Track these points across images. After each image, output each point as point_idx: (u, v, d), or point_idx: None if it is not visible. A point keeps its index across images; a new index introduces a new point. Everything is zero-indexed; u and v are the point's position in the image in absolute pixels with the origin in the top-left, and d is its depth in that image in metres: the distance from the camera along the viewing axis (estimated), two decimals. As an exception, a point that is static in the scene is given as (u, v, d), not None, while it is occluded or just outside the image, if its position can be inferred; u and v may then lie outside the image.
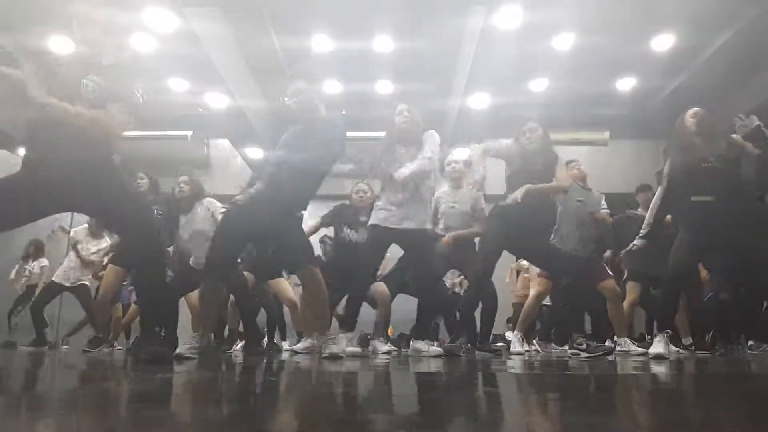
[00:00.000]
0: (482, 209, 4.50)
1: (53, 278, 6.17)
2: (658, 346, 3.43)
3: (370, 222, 3.67)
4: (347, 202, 4.84)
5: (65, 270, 6.04)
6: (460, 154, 4.86)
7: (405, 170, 3.41)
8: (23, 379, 1.97)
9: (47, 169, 2.40)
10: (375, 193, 4.21)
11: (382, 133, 3.81)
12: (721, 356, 4.17)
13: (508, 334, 7.53)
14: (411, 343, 3.95)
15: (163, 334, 4.24)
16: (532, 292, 4.80)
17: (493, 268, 3.85)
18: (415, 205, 3.54)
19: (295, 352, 4.40)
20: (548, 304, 5.40)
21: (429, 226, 3.66)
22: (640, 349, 4.26)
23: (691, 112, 3.63)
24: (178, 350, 3.13)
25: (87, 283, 6.05)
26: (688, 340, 5.34)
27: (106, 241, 5.93)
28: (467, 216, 4.47)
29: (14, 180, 2.47)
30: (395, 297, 4.89)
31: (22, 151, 8.95)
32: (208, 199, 4.50)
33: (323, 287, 3.05)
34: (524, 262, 6.05)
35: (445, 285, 5.36)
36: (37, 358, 3.64)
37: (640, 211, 5.08)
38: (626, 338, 4.27)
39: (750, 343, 4.99)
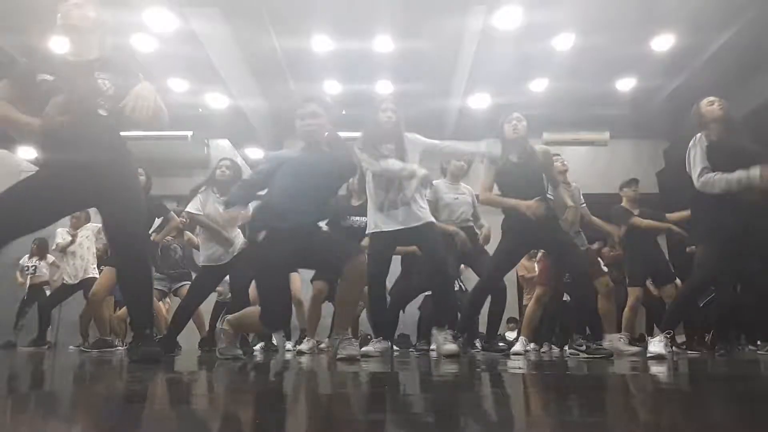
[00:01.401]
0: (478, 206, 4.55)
1: (64, 281, 6.14)
2: (658, 346, 3.41)
3: (370, 230, 3.60)
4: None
5: (68, 270, 6.05)
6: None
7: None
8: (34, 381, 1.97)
9: (67, 168, 2.45)
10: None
11: None
12: (721, 356, 4.17)
13: (509, 335, 7.55)
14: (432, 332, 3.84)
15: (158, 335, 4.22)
16: (532, 299, 4.79)
17: (502, 278, 3.88)
18: (409, 203, 3.48)
19: (302, 353, 4.38)
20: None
21: (432, 219, 3.58)
22: (633, 348, 4.27)
23: (707, 100, 3.56)
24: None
25: (92, 275, 5.98)
26: (680, 338, 5.35)
27: (86, 230, 5.97)
28: (470, 206, 4.51)
29: (35, 181, 2.51)
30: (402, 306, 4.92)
31: (21, 151, 8.95)
32: None
33: (362, 282, 2.90)
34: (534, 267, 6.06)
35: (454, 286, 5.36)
36: (47, 359, 3.64)
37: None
38: (617, 334, 4.25)
39: (758, 342, 4.98)
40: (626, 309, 5.00)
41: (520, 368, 2.54)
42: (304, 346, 4.47)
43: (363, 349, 3.43)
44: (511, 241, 3.71)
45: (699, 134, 3.46)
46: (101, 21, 2.66)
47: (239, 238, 4.29)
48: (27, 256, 7.36)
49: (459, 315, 4.41)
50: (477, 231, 4.57)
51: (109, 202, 2.56)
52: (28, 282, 7.24)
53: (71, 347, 6.12)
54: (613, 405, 1.33)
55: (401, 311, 5.01)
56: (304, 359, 3.49)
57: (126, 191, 2.57)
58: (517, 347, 4.29)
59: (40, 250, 7.25)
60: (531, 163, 3.72)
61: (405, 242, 3.65)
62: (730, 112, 3.48)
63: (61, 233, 6.14)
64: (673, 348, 4.96)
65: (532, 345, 5.06)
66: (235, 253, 4.22)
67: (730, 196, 3.25)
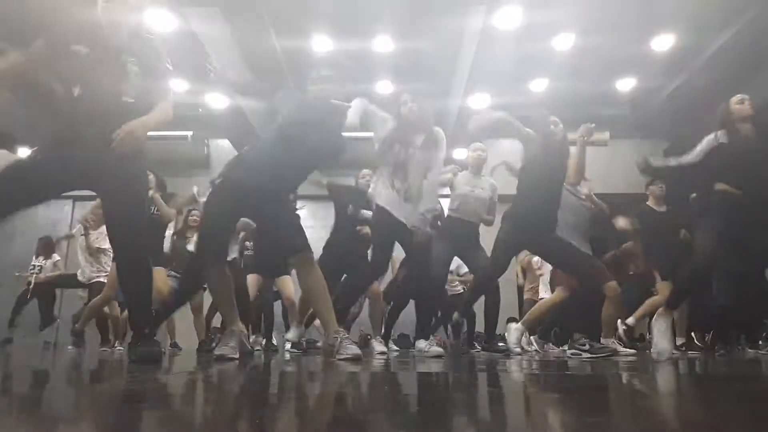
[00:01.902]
0: (496, 202, 4.55)
1: (76, 275, 6.11)
2: (661, 339, 3.43)
3: (379, 202, 3.55)
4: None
5: (81, 269, 6.04)
6: (458, 154, 4.90)
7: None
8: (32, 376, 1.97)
9: (69, 148, 2.43)
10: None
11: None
12: (721, 356, 4.17)
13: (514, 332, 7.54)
14: (415, 343, 3.95)
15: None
16: (551, 297, 4.75)
17: (503, 271, 3.88)
18: (415, 203, 3.48)
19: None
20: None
21: (423, 225, 3.56)
22: (628, 350, 4.28)
23: (738, 98, 3.56)
24: (217, 352, 2.98)
25: (103, 280, 5.97)
26: (680, 340, 5.31)
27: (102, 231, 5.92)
28: (485, 202, 4.48)
29: (40, 155, 2.49)
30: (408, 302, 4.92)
31: (21, 151, 8.96)
32: None
33: (319, 275, 2.88)
34: (534, 259, 6.03)
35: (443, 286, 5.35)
36: (43, 357, 3.64)
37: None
38: (612, 339, 4.28)
39: (759, 342, 4.99)
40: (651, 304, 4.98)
41: (521, 368, 2.54)
42: (290, 335, 4.52)
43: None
44: (509, 234, 3.73)
45: (720, 132, 3.46)
46: (142, 5, 2.64)
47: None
48: (34, 255, 7.37)
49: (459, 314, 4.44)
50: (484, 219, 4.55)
51: (111, 199, 2.54)
52: (33, 281, 7.25)
53: (70, 347, 6.12)
54: (610, 405, 1.33)
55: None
56: (293, 357, 3.49)
57: (130, 188, 2.54)
58: (516, 346, 4.27)
59: (45, 249, 7.25)
60: (563, 163, 3.78)
61: (399, 235, 3.62)
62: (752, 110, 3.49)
63: (80, 230, 6.12)
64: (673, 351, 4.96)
65: (533, 346, 5.05)
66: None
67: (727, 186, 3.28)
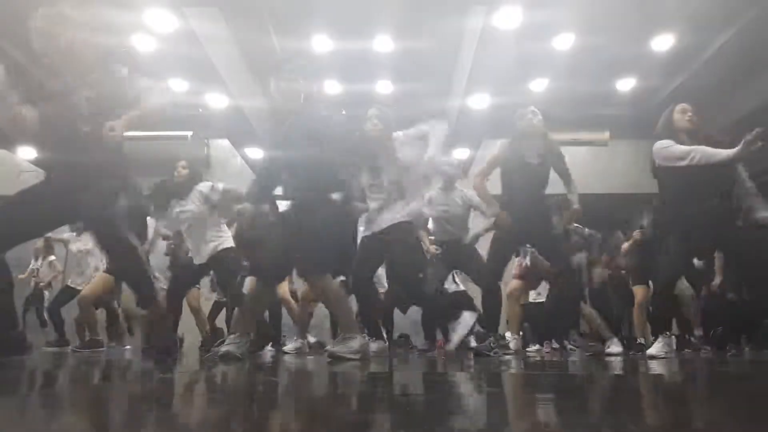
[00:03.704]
0: (480, 203, 4.43)
1: (68, 283, 6.11)
2: (654, 347, 3.51)
3: (362, 235, 3.65)
4: None
5: (74, 273, 6.04)
6: (458, 154, 4.91)
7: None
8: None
9: (62, 179, 2.49)
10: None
11: None
12: (733, 356, 4.18)
13: (508, 335, 7.55)
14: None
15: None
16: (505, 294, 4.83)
17: (501, 273, 3.90)
18: (393, 204, 3.50)
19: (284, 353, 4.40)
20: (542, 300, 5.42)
21: (407, 218, 3.52)
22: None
23: (680, 107, 3.56)
24: (222, 350, 3.01)
25: None
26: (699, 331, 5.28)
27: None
28: (459, 219, 4.47)
29: (37, 189, 2.56)
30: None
31: (21, 151, 8.94)
32: (203, 183, 4.50)
33: (337, 297, 3.03)
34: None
35: (444, 290, 5.33)
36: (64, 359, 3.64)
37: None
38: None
39: None
40: (635, 308, 5.04)
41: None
42: (289, 347, 4.49)
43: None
44: (502, 234, 3.78)
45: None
46: (96, 44, 2.68)
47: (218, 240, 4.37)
48: (33, 259, 7.36)
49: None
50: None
51: (92, 224, 2.60)
52: (32, 281, 7.24)
53: (68, 347, 6.13)
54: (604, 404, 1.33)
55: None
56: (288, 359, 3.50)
57: (109, 209, 2.56)
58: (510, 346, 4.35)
59: (45, 250, 7.24)
60: (546, 162, 3.76)
61: (382, 243, 3.66)
62: (695, 121, 3.47)
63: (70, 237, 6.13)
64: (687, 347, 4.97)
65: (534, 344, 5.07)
66: (212, 254, 4.30)
67: (695, 188, 3.28)
